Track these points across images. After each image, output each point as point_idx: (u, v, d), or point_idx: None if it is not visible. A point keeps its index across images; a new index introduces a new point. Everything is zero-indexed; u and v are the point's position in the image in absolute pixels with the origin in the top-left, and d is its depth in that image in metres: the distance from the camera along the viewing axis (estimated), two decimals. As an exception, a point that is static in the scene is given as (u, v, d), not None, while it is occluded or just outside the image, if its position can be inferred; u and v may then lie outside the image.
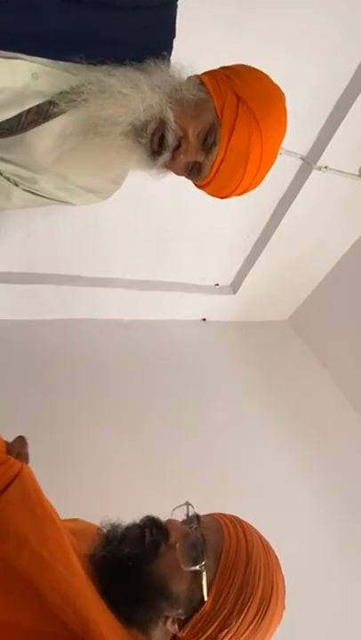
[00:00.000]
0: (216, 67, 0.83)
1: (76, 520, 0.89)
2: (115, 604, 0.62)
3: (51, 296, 1.90)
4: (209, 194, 0.89)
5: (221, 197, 0.89)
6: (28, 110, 0.75)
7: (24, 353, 1.79)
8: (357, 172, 2.01)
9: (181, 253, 2.13)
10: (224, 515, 0.75)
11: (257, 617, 0.64)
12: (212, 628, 0.63)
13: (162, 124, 0.74)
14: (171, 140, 0.75)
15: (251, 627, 0.64)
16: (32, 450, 1.55)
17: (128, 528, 0.70)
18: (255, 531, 0.73)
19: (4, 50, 0.70)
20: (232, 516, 0.75)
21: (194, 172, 0.82)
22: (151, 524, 0.70)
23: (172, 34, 0.84)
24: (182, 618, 0.65)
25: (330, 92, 1.75)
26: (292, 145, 1.79)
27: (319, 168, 1.90)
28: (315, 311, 2.72)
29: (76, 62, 0.73)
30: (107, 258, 1.96)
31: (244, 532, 0.71)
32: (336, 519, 1.81)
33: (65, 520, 0.87)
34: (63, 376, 1.78)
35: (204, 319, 2.51)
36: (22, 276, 1.83)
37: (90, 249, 1.87)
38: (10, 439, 1.51)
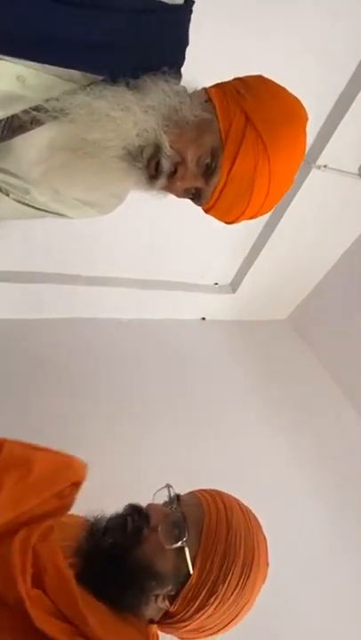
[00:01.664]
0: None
1: (68, 515, 0.91)
2: (104, 591, 0.65)
3: (50, 295, 1.90)
4: (215, 218, 0.83)
5: (227, 223, 0.82)
6: (14, 115, 0.69)
7: (23, 352, 1.79)
8: (357, 171, 2.01)
9: (181, 252, 2.12)
10: (204, 490, 0.78)
11: (242, 578, 0.68)
12: (201, 596, 0.67)
13: (157, 149, 0.69)
14: (166, 166, 0.70)
15: (237, 588, 0.68)
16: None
17: (110, 519, 0.72)
18: (234, 499, 0.77)
19: None
20: (212, 489, 0.78)
21: (195, 197, 0.77)
22: (133, 511, 0.72)
23: (185, 42, 0.76)
24: (172, 593, 0.69)
25: (329, 90, 1.75)
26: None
27: (319, 167, 1.90)
28: (314, 310, 2.72)
29: (67, 68, 0.68)
30: (106, 257, 1.96)
31: (223, 502, 0.74)
32: (334, 518, 1.81)
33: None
34: (62, 375, 1.78)
35: (204, 318, 2.51)
36: (22, 275, 1.83)
37: (89, 248, 1.87)
38: (9, 437, 1.51)
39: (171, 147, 0.69)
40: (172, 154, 0.69)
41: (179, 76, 0.76)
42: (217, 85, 0.75)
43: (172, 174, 0.71)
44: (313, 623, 1.46)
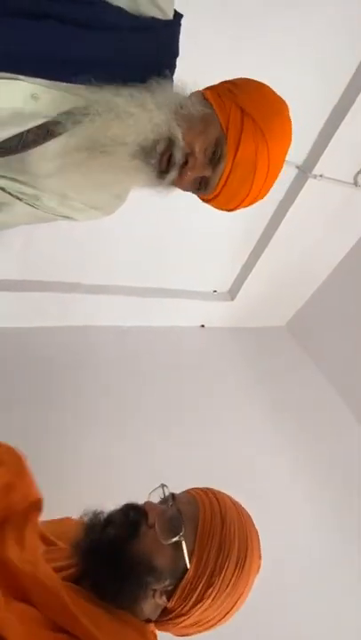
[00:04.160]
0: (214, 80, 0.83)
1: (61, 521, 0.92)
2: (104, 587, 0.67)
3: (51, 303, 1.91)
4: (216, 207, 0.89)
5: (229, 210, 0.89)
6: (29, 130, 0.74)
7: (24, 360, 1.80)
8: (352, 180, 2.05)
9: (180, 260, 2.15)
10: (197, 488, 0.81)
11: (237, 570, 0.70)
12: (198, 589, 0.69)
13: (170, 142, 0.74)
14: (178, 157, 0.75)
15: (233, 580, 0.70)
16: (32, 455, 1.55)
17: (111, 513, 0.74)
18: (226, 495, 0.80)
19: (3, 71, 0.69)
20: (204, 487, 0.81)
21: (201, 186, 0.82)
22: (130, 507, 0.74)
23: (175, 52, 0.83)
24: (169, 589, 0.70)
25: (325, 101, 1.78)
26: (288, 154, 1.82)
27: (315, 176, 1.93)
28: (312, 317, 2.74)
29: (76, 84, 0.72)
30: (106, 265, 1.98)
31: (216, 498, 0.77)
32: (333, 522, 1.82)
33: (52, 520, 0.91)
34: (63, 383, 1.79)
35: (203, 325, 2.53)
36: (22, 284, 1.84)
37: (89, 256, 1.89)
38: (11, 443, 1.51)
39: (182, 139, 0.74)
40: (183, 146, 0.75)
41: (172, 82, 0.83)
42: (209, 87, 0.82)
43: (183, 165, 0.77)
44: (313, 626, 1.46)
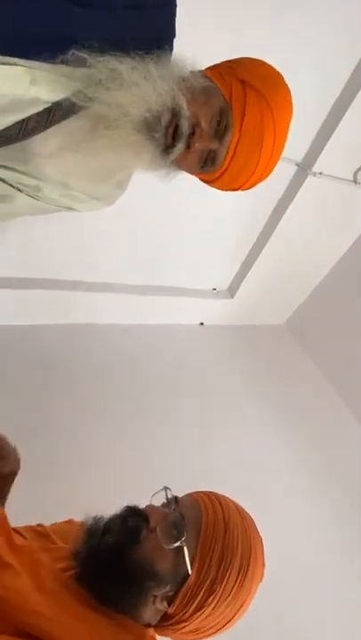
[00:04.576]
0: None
1: (69, 522, 0.91)
2: (103, 592, 0.66)
3: (51, 301, 1.91)
4: (221, 187, 0.86)
5: (234, 189, 0.86)
6: (29, 117, 0.72)
7: (24, 358, 1.80)
8: (352, 178, 2.04)
9: (179, 258, 2.14)
10: (201, 491, 0.79)
11: (239, 578, 0.68)
12: (200, 596, 0.67)
13: (175, 113, 0.72)
14: (185, 127, 0.72)
15: (234, 588, 0.68)
16: (31, 452, 1.55)
17: (110, 519, 0.72)
18: (230, 500, 0.78)
19: (2, 54, 0.67)
20: (208, 491, 0.79)
21: (208, 162, 0.78)
22: (131, 512, 0.73)
23: (172, 33, 0.83)
24: (170, 594, 0.69)
25: (324, 98, 1.78)
26: (288, 151, 1.80)
27: (314, 174, 1.93)
28: (311, 315, 2.74)
29: (76, 67, 0.71)
30: (106, 263, 1.98)
31: (220, 503, 0.75)
32: (333, 521, 1.82)
33: (58, 523, 0.90)
34: (63, 380, 1.79)
35: (202, 323, 2.53)
36: (23, 282, 1.84)
37: (89, 254, 1.89)
38: (13, 440, 1.51)
39: (187, 109, 0.73)
40: (189, 115, 0.73)
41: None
42: (209, 67, 0.82)
43: (190, 137, 0.74)
44: (313, 626, 1.46)
